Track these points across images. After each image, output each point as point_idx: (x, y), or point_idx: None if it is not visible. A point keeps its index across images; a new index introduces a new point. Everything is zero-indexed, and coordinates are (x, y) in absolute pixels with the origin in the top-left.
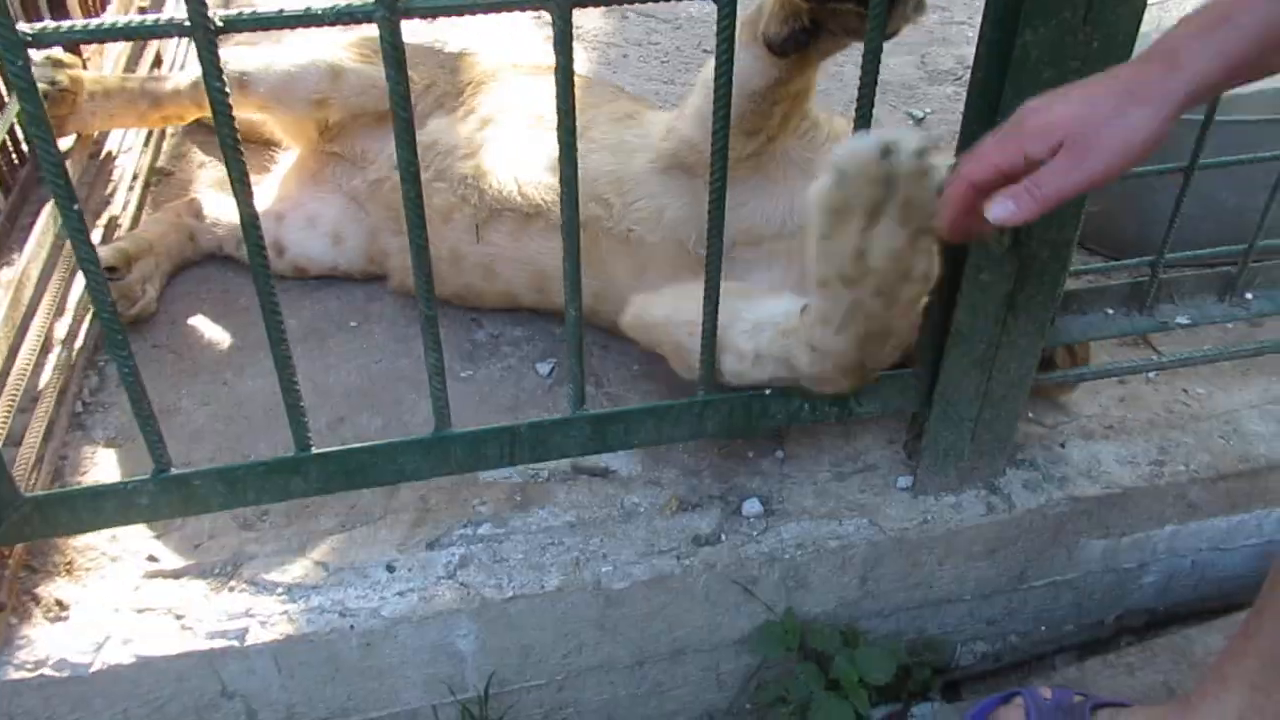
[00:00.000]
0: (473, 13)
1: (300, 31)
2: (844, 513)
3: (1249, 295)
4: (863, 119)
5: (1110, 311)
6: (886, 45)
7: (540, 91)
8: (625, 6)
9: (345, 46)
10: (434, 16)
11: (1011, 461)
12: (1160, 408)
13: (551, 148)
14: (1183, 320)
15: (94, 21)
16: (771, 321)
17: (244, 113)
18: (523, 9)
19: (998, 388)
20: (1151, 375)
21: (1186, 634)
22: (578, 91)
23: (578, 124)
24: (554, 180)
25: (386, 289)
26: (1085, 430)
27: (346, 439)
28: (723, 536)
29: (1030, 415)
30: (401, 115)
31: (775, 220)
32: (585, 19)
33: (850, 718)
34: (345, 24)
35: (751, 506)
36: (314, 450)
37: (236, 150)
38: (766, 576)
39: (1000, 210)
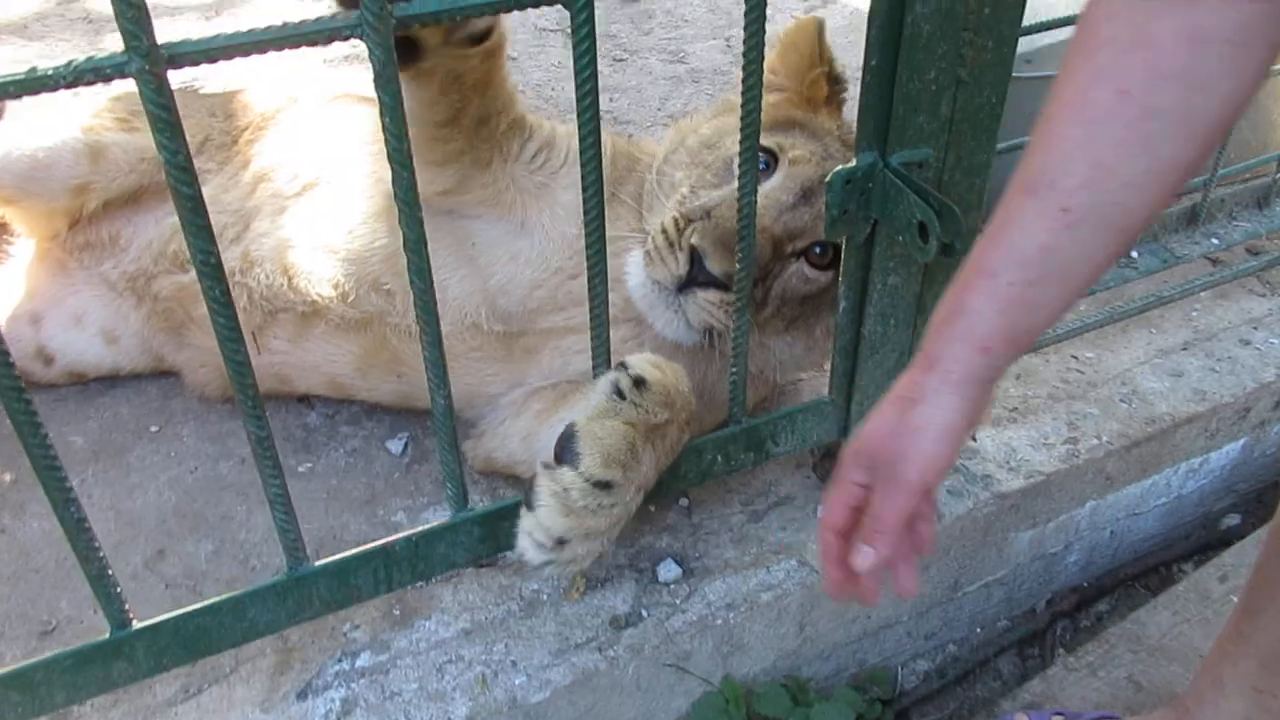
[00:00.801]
0: (246, 54)
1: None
2: (770, 558)
3: (1134, 254)
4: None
5: None
6: (691, 33)
7: (319, 136)
8: None
9: (99, 113)
10: (201, 63)
11: None
12: (1056, 380)
13: (323, 220)
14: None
15: None
16: None
17: None
18: (331, 41)
19: None
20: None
21: (1136, 617)
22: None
23: (327, 177)
24: (330, 268)
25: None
26: (992, 417)
27: (172, 579)
28: (644, 613)
29: None
30: (185, 191)
31: (551, 261)
32: None
33: None
34: (90, 84)
35: (668, 571)
36: (136, 624)
37: None
38: (699, 649)
39: (864, 560)
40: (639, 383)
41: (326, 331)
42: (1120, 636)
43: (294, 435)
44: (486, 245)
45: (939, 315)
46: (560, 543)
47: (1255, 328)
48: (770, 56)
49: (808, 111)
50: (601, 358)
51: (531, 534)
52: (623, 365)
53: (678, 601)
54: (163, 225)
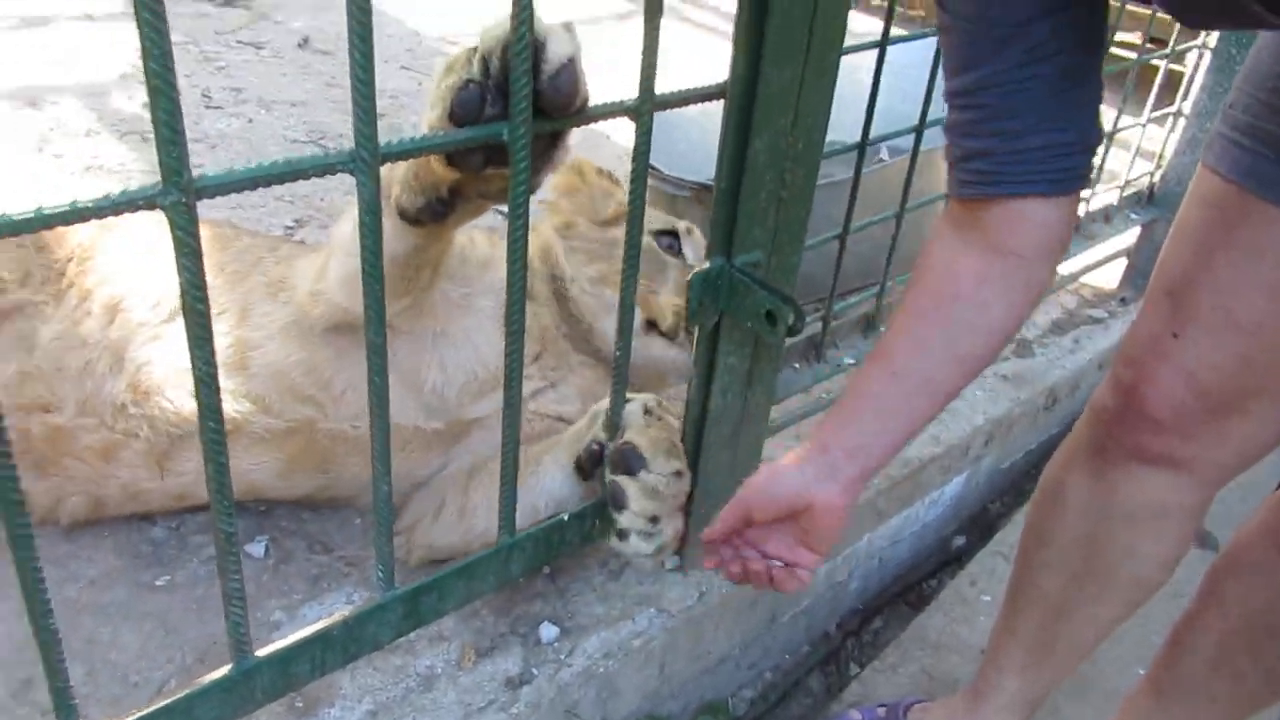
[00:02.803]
0: (268, 184)
1: None
2: (634, 609)
3: (882, 329)
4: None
5: (796, 366)
6: None
7: (168, 263)
8: None
9: None
10: (228, 194)
11: None
12: None
13: (220, 341)
14: (849, 360)
15: None
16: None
17: None
18: (330, 173)
19: (742, 457)
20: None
21: (918, 623)
22: (215, 254)
23: (231, 305)
24: (244, 385)
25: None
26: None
27: (48, 707)
28: (534, 671)
29: None
30: (199, 309)
31: (480, 367)
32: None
33: None
34: (125, 213)
35: (549, 632)
36: None
37: None
38: (585, 697)
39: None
40: (655, 404)
41: (249, 444)
42: (910, 639)
43: (140, 552)
44: (412, 354)
45: (831, 417)
46: (654, 520)
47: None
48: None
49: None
50: (620, 398)
51: (634, 527)
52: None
53: (562, 657)
54: (28, 363)
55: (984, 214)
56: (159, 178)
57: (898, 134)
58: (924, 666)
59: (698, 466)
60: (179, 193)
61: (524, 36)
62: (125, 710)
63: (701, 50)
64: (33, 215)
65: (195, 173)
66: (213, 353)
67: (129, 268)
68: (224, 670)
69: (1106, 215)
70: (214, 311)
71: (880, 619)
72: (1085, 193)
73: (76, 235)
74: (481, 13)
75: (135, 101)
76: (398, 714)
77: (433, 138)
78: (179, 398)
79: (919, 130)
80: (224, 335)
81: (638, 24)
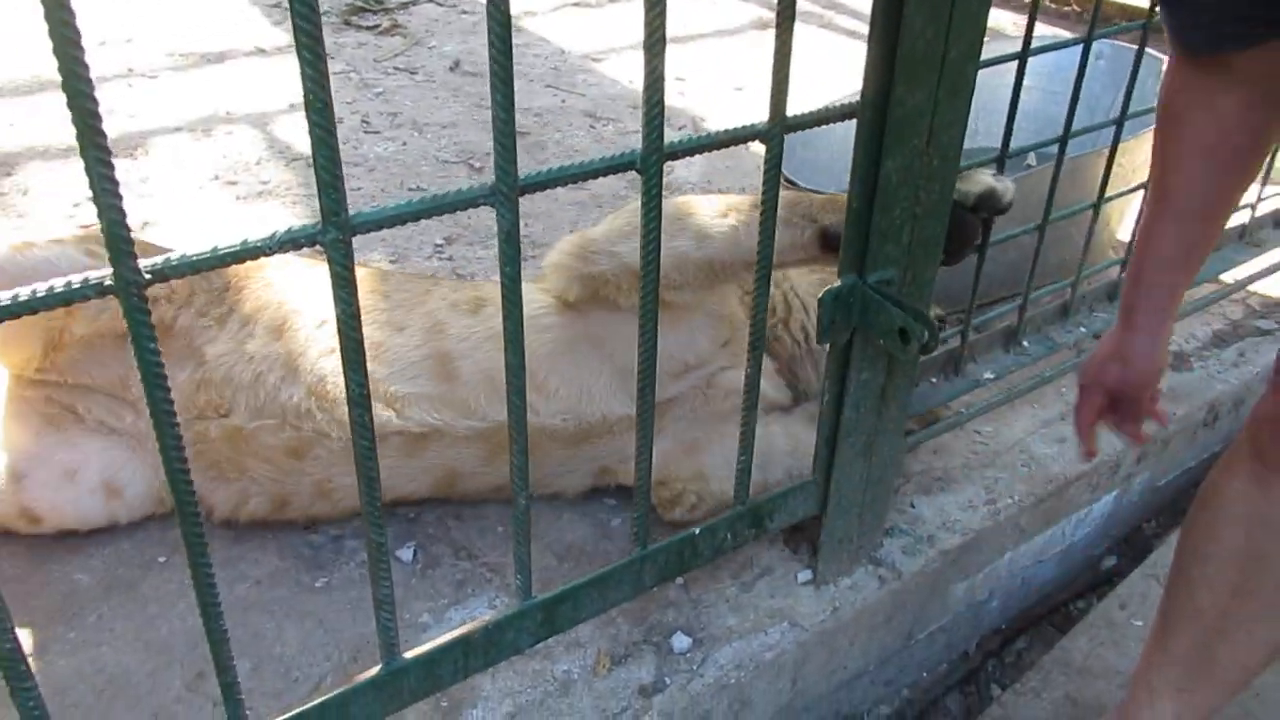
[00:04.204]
0: (415, 220)
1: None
2: (765, 621)
3: (1025, 343)
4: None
5: (934, 380)
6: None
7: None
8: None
9: (79, 240)
10: (380, 229)
11: (884, 532)
12: (967, 452)
13: (414, 349)
14: (989, 376)
15: None
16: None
17: None
18: (472, 207)
19: (876, 471)
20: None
21: (1061, 645)
22: (377, 286)
23: (413, 323)
24: (436, 388)
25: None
26: (922, 487)
27: (219, 698)
28: (667, 680)
29: None
30: (353, 337)
31: (691, 354)
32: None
33: None
34: (290, 250)
35: (681, 642)
36: None
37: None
38: (716, 708)
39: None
40: None
41: (452, 442)
42: (1053, 663)
43: (301, 554)
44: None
45: (1129, 279)
46: None
47: None
48: None
49: None
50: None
51: None
52: None
53: (694, 668)
54: (198, 373)
55: (1245, 62)
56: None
57: (1043, 144)
58: (1068, 692)
59: (831, 478)
60: (337, 231)
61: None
62: (287, 703)
63: (846, 59)
64: (209, 255)
65: (351, 201)
66: (365, 375)
67: (289, 292)
68: (375, 670)
69: (1276, 220)
70: (392, 330)
71: (1023, 640)
72: (1251, 196)
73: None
74: (621, 32)
75: (300, 130)
76: (536, 717)
77: (570, 168)
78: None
79: (1063, 140)
80: (415, 349)
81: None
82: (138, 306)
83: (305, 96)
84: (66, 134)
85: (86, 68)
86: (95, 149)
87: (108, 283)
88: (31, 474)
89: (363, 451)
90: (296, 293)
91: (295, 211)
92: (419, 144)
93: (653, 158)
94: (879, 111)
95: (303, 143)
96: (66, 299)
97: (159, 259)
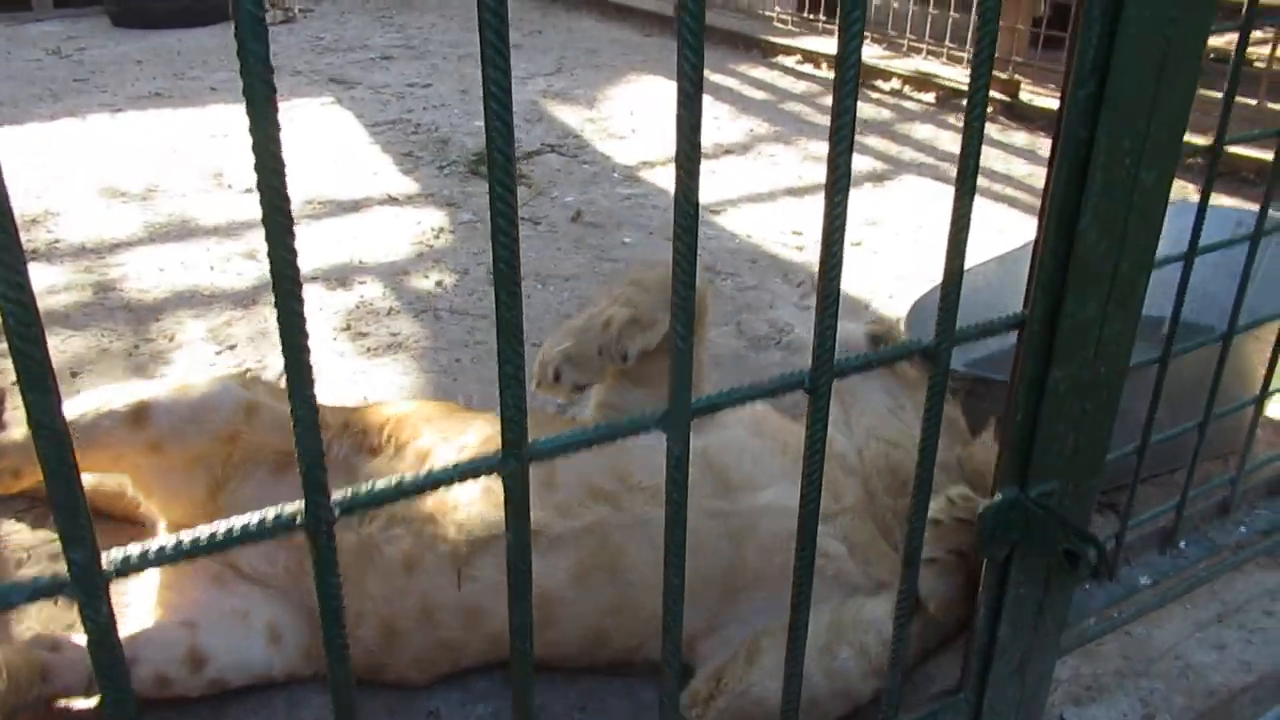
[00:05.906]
0: (589, 446)
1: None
2: None
3: (1183, 545)
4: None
5: (1087, 587)
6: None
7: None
8: None
9: (234, 377)
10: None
11: None
12: (1118, 656)
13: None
14: (1145, 581)
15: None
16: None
17: (131, 457)
18: (643, 432)
19: (1030, 689)
20: None
21: None
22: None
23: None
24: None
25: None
26: (1072, 695)
27: None
28: None
29: None
30: (521, 570)
31: (782, 455)
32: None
33: None
34: (469, 480)
35: None
36: None
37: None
38: None
39: None
40: None
41: (544, 549)
42: None
43: None
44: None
45: None
46: None
47: (1273, 599)
48: None
49: None
50: None
51: None
52: None
53: None
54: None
55: None
56: (458, 359)
57: (1207, 341)
58: None
59: (983, 700)
60: (516, 462)
61: None
62: None
63: (990, 221)
64: (392, 488)
65: (474, 355)
66: (530, 605)
67: (436, 431)
68: None
69: None
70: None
71: None
72: None
73: (385, 411)
74: (735, 185)
75: (430, 280)
76: None
77: (744, 389)
78: (479, 504)
79: (1228, 336)
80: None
81: (889, 188)
82: (326, 545)
83: (499, 338)
84: (208, 279)
85: (298, 273)
86: (301, 383)
87: (299, 520)
88: (202, 621)
89: (520, 657)
90: (445, 427)
91: (423, 365)
92: (542, 297)
93: (823, 378)
94: (1047, 324)
95: (431, 293)
96: (258, 535)
97: (348, 492)
